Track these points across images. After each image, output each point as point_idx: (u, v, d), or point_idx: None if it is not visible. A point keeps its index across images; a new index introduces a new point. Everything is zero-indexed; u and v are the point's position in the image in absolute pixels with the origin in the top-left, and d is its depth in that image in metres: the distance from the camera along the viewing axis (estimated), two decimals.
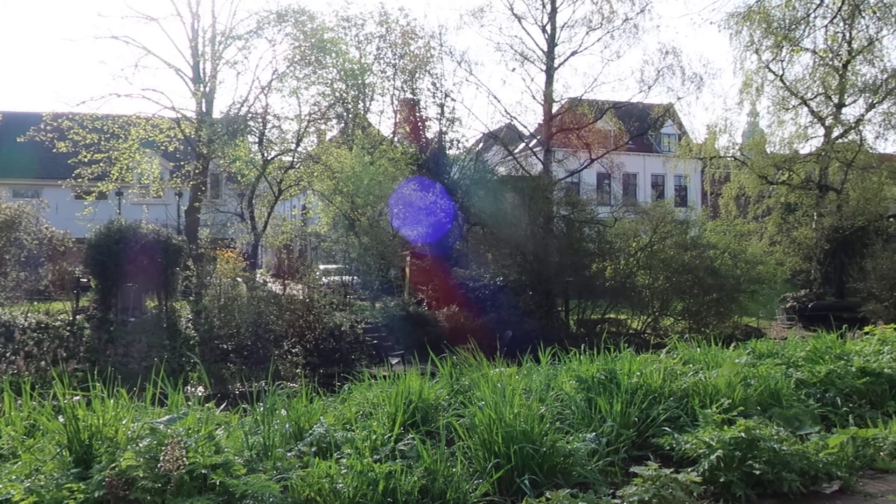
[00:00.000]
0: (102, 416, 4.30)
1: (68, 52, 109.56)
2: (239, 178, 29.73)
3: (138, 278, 22.26)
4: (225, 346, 21.05)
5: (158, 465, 3.74)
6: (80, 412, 4.23)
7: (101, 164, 26.92)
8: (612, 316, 27.88)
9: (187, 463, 3.82)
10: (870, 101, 32.67)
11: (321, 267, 32.32)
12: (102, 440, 4.13)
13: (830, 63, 33.23)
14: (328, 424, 5.36)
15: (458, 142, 36.43)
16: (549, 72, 35.58)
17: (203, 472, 3.86)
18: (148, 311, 22.80)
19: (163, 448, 3.78)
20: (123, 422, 4.37)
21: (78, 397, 4.61)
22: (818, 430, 5.89)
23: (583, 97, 36.21)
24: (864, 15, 30.98)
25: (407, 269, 30.97)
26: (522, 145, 39.58)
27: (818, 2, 23.93)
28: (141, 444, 3.93)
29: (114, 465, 3.77)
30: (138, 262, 21.82)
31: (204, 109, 28.41)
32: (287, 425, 5.37)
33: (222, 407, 6.21)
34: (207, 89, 28.29)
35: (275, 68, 28.16)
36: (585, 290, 27.65)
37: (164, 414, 4.85)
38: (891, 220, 33.73)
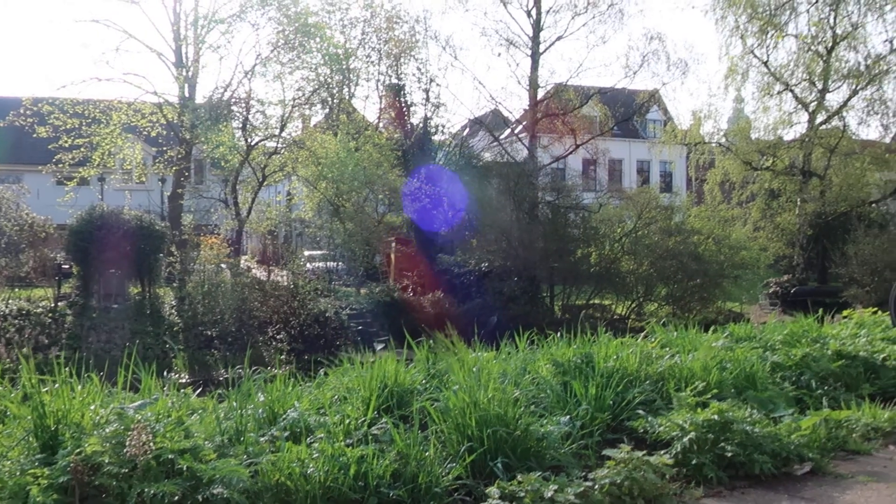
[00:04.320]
0: (69, 401, 4.25)
1: (48, 36, 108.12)
2: (222, 164, 29.50)
3: (121, 264, 22.15)
4: (209, 333, 21.01)
5: (125, 451, 3.70)
6: (47, 398, 4.18)
7: (83, 150, 26.62)
8: (596, 301, 27.98)
9: (154, 448, 3.78)
10: (853, 87, 32.75)
11: (306, 253, 32.26)
12: (69, 426, 4.09)
13: (815, 49, 33.28)
14: (302, 409, 5.32)
15: (444, 127, 36.30)
16: (535, 57, 35.48)
17: (170, 457, 3.83)
18: (131, 298, 22.70)
19: (129, 433, 3.75)
20: (92, 407, 4.32)
21: (50, 383, 4.56)
22: (792, 413, 5.91)
23: (568, 82, 36.14)
24: (847, 1, 31.07)
25: (392, 255, 30.95)
26: (508, 131, 39.49)
27: None
28: (107, 430, 3.89)
29: (79, 450, 3.73)
30: (121, 248, 21.70)
31: (187, 94, 28.15)
32: (261, 410, 5.34)
33: (204, 393, 6.17)
34: (190, 74, 28.03)
35: (258, 53, 27.91)
36: (570, 276, 27.72)
37: (137, 399, 4.80)
38: (873, 205, 33.93)
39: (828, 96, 33.81)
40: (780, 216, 34.80)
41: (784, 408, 6.05)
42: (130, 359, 5.28)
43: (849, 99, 33.31)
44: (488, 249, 28.87)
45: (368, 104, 56.23)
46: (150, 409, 4.42)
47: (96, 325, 20.43)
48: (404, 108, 35.44)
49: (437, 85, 35.91)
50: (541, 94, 36.59)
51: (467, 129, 40.81)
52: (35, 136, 26.25)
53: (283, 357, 19.30)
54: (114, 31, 32.37)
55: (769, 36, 32.83)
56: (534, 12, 35.35)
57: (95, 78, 26.82)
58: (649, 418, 5.50)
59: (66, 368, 4.58)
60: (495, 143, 37.29)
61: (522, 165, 33.62)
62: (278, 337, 21.29)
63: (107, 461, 3.70)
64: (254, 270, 26.88)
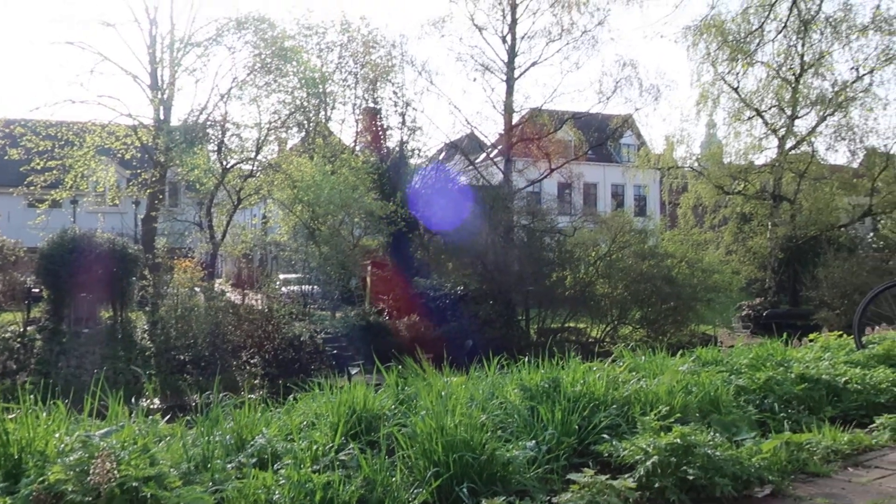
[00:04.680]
0: (34, 429, 4.24)
1: (21, 57, 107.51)
2: (197, 187, 29.43)
3: (92, 288, 21.95)
4: (182, 357, 20.84)
5: (88, 479, 3.70)
6: (11, 425, 4.17)
7: (55, 172, 26.43)
8: (571, 325, 28.12)
9: (118, 476, 3.78)
10: (821, 113, 33.48)
11: (281, 276, 32.11)
12: (33, 454, 4.07)
13: (783, 76, 34.04)
14: (271, 435, 5.32)
15: (420, 151, 36.61)
16: (510, 82, 35.91)
17: (135, 484, 3.83)
18: (102, 322, 22.47)
19: (93, 461, 3.75)
20: (56, 435, 4.31)
21: (15, 411, 4.54)
22: (754, 436, 5.99)
23: (543, 107, 36.59)
24: (814, 30, 31.85)
25: (367, 279, 30.93)
26: (483, 155, 39.80)
27: (767, 14, 24.54)
28: (71, 458, 3.88)
29: (42, 478, 3.73)
30: (93, 271, 21.53)
31: (162, 117, 28.15)
32: (228, 436, 5.33)
33: (174, 419, 6.14)
34: (165, 96, 28.04)
35: (234, 76, 28.03)
36: (546, 299, 27.87)
37: (104, 427, 4.79)
38: (842, 229, 34.55)
39: (797, 122, 34.59)
40: (751, 240, 35.33)
41: (747, 431, 6.13)
42: (105, 385, 5.27)
43: (817, 125, 34.05)
44: (464, 273, 28.99)
45: (345, 128, 56.26)
46: (116, 436, 4.41)
47: (66, 350, 20.18)
48: (380, 132, 35.65)
49: (414, 109, 36.26)
50: (516, 118, 36.99)
51: (443, 153, 41.09)
52: (7, 157, 26.05)
53: (256, 382, 19.19)
54: (89, 54, 32.40)
55: (739, 63, 33.51)
56: (509, 38, 35.86)
57: (69, 100, 26.79)
58: (614, 442, 5.55)
59: (32, 395, 4.57)
60: (471, 167, 37.56)
61: (498, 189, 33.89)
62: (252, 361, 21.17)
63: (70, 489, 3.70)
64: (228, 294, 26.73)
